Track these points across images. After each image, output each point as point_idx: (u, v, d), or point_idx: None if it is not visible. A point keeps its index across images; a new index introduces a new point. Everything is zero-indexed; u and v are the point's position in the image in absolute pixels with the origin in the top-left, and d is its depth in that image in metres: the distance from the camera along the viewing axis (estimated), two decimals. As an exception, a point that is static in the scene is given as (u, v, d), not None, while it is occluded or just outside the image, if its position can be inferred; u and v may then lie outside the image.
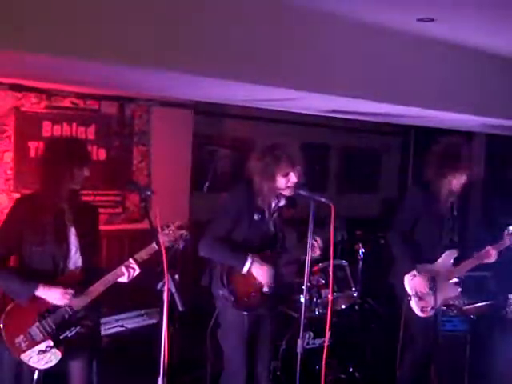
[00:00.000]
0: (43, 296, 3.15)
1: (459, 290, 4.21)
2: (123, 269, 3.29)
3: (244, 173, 3.72)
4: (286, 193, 3.63)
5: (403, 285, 4.07)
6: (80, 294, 3.22)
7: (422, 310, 4.05)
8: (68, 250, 3.24)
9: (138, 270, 3.32)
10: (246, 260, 3.58)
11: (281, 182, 3.57)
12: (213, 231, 3.66)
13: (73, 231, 3.28)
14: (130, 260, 3.31)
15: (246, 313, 3.65)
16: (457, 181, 4.08)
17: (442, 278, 4.10)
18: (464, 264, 4.17)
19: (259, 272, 3.61)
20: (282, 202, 3.73)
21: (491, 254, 4.15)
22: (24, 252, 3.20)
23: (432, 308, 4.05)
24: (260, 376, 3.83)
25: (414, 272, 4.03)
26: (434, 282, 4.04)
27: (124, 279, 3.32)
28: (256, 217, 3.65)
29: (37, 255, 3.19)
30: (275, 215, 3.75)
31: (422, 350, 4.16)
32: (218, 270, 3.67)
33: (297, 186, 3.56)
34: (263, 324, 3.82)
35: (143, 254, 3.33)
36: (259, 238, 3.69)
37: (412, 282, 4.04)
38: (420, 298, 4.04)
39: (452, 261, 4.14)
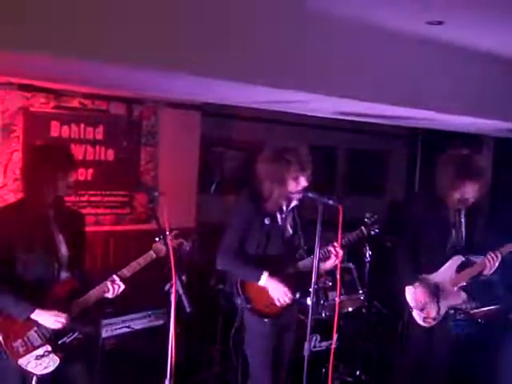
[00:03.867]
0: (38, 320, 3.11)
1: (464, 295, 4.19)
2: (108, 284, 3.26)
3: (252, 176, 3.72)
4: (295, 197, 3.62)
5: (404, 294, 4.07)
6: (76, 301, 3.21)
7: (424, 321, 4.04)
8: (58, 258, 3.21)
9: (122, 287, 3.29)
10: (261, 275, 3.57)
11: (291, 185, 3.57)
12: (226, 245, 3.64)
13: (61, 238, 3.25)
14: (114, 276, 3.28)
15: (266, 320, 3.64)
16: (469, 190, 4.02)
17: (446, 285, 4.08)
18: (468, 270, 4.14)
19: (276, 291, 3.60)
20: (294, 203, 3.71)
21: (493, 258, 4.10)
22: (16, 263, 3.14)
23: (434, 318, 4.04)
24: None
25: (416, 284, 4.01)
26: (437, 292, 4.03)
27: (109, 295, 3.28)
28: (267, 221, 3.64)
29: (28, 265, 3.14)
30: (289, 217, 3.74)
31: (421, 357, 4.15)
32: (233, 277, 3.68)
33: (305, 188, 3.56)
34: (287, 332, 3.79)
35: (126, 272, 3.30)
36: (276, 242, 3.67)
37: (413, 294, 4.04)
38: (421, 309, 4.03)
39: (456, 267, 4.12)
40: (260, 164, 3.66)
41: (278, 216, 3.69)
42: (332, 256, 3.60)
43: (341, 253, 3.59)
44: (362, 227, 3.78)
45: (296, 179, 3.55)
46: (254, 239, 3.64)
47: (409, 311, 4.08)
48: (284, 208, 3.71)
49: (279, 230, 3.69)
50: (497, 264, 4.06)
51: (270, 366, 3.66)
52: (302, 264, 3.68)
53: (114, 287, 3.26)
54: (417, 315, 4.04)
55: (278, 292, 3.60)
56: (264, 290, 3.61)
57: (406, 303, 4.07)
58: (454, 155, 4.10)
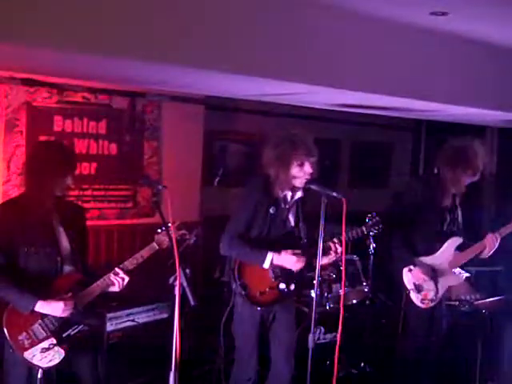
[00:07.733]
0: (43, 311, 3.11)
1: (463, 277, 4.22)
2: (112, 277, 3.24)
3: (258, 166, 3.72)
4: (299, 184, 3.62)
5: (402, 278, 4.10)
6: (80, 293, 3.21)
7: (422, 302, 4.08)
8: (60, 251, 3.21)
9: (127, 279, 3.27)
10: (266, 255, 3.57)
11: (295, 170, 3.56)
12: (231, 228, 3.64)
13: (62, 232, 3.25)
14: (116, 269, 3.25)
15: (259, 308, 3.65)
16: (468, 178, 4.10)
17: (444, 267, 4.13)
18: (467, 251, 4.17)
19: (288, 260, 3.59)
20: (299, 195, 3.71)
21: (493, 239, 4.12)
22: (18, 257, 3.14)
23: (432, 300, 4.06)
24: (281, 374, 3.81)
25: (411, 266, 4.05)
26: (434, 273, 4.06)
27: (115, 289, 3.27)
28: (272, 210, 3.64)
29: (31, 258, 3.14)
30: (293, 209, 3.74)
31: (420, 341, 4.18)
32: (232, 263, 3.66)
33: (309, 179, 3.56)
34: (279, 320, 3.79)
35: (128, 264, 3.28)
36: (276, 232, 3.67)
37: (409, 276, 4.07)
38: (419, 290, 4.06)
39: (454, 248, 4.15)
40: (267, 149, 3.67)
41: (282, 205, 3.69)
42: (330, 252, 3.60)
43: (340, 249, 3.57)
44: (363, 227, 3.75)
45: (301, 165, 3.55)
46: (257, 227, 3.64)
47: (406, 294, 4.10)
48: (288, 198, 3.70)
49: (282, 220, 3.69)
50: (496, 245, 4.11)
51: (256, 352, 3.72)
52: None
53: (118, 280, 3.24)
54: (414, 297, 4.07)
55: (289, 262, 3.59)
56: (261, 277, 3.61)
57: (404, 286, 4.10)
58: (453, 147, 4.15)
